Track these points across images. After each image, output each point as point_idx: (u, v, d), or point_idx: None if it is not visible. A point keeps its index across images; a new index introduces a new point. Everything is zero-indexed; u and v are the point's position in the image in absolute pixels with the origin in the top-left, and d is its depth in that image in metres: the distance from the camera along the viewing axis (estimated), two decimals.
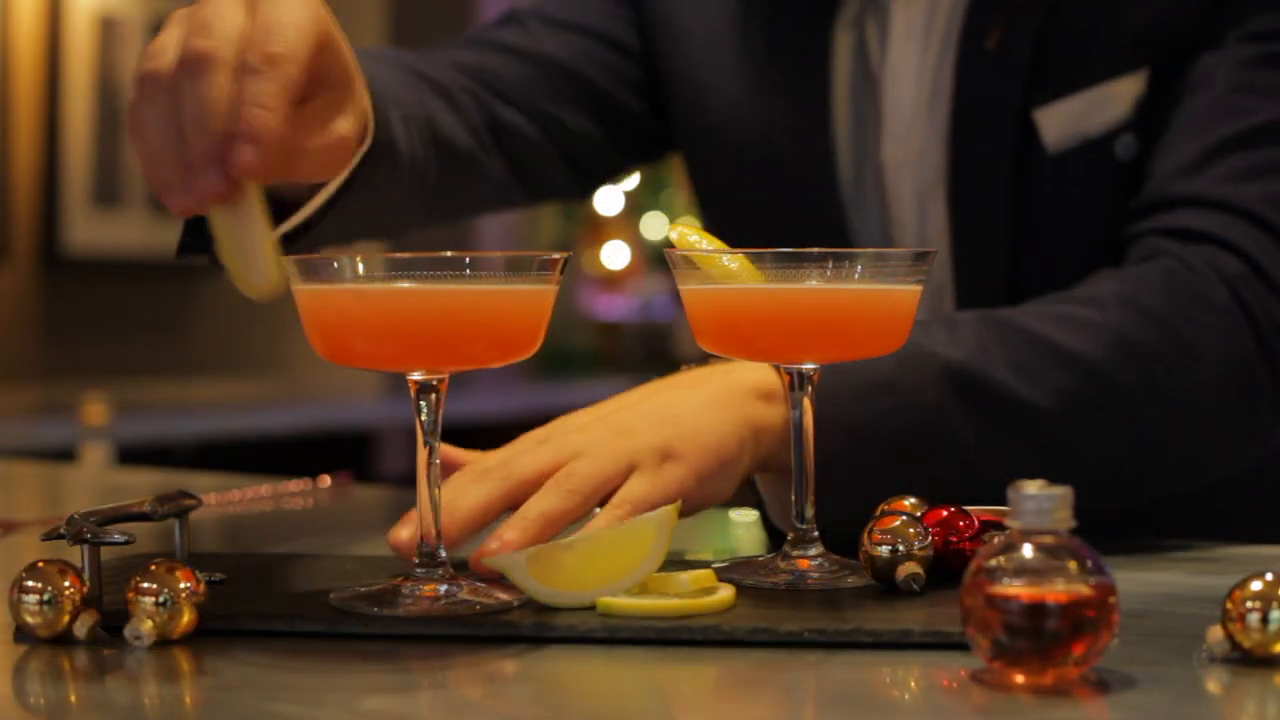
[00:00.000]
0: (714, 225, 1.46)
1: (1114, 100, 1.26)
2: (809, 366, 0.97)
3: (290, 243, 1.06)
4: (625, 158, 1.51)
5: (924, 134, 1.32)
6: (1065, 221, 1.29)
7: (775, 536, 1.16)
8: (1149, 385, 1.14)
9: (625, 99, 1.45)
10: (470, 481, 1.00)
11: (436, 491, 0.90)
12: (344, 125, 0.97)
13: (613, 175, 1.53)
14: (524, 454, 1.01)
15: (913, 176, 1.33)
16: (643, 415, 1.04)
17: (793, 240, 1.32)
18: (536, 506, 0.97)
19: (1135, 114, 1.26)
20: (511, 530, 0.96)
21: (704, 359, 1.10)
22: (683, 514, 0.96)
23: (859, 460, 1.06)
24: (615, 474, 1.00)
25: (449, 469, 1.09)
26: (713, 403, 1.05)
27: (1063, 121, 1.27)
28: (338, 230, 1.14)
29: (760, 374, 1.07)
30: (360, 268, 0.88)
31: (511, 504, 0.99)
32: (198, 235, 1.03)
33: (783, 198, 1.39)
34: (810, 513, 0.97)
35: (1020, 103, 1.27)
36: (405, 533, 0.98)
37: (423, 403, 0.90)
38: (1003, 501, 0.76)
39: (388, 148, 1.14)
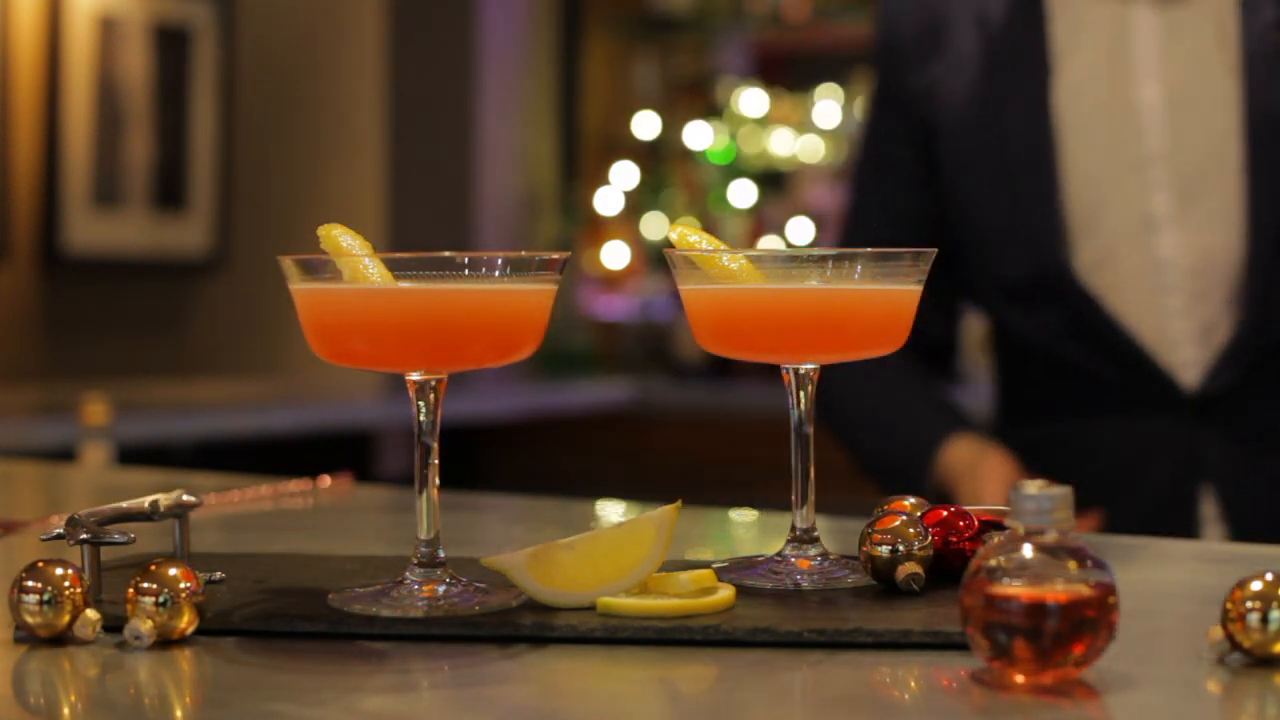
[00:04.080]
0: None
1: None
2: (809, 366, 0.97)
3: None
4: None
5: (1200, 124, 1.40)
6: None
7: (777, 537, 1.16)
8: None
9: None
10: None
11: (434, 491, 0.90)
12: None
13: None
14: None
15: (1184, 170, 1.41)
16: None
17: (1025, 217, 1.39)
18: None
19: None
20: None
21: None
22: None
23: None
24: None
25: None
26: None
27: None
28: None
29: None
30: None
31: None
32: None
33: (1006, 185, 1.49)
34: (810, 514, 0.97)
35: None
36: None
37: (421, 403, 0.90)
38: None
39: None
